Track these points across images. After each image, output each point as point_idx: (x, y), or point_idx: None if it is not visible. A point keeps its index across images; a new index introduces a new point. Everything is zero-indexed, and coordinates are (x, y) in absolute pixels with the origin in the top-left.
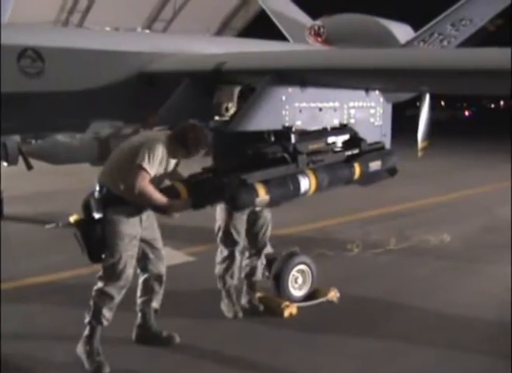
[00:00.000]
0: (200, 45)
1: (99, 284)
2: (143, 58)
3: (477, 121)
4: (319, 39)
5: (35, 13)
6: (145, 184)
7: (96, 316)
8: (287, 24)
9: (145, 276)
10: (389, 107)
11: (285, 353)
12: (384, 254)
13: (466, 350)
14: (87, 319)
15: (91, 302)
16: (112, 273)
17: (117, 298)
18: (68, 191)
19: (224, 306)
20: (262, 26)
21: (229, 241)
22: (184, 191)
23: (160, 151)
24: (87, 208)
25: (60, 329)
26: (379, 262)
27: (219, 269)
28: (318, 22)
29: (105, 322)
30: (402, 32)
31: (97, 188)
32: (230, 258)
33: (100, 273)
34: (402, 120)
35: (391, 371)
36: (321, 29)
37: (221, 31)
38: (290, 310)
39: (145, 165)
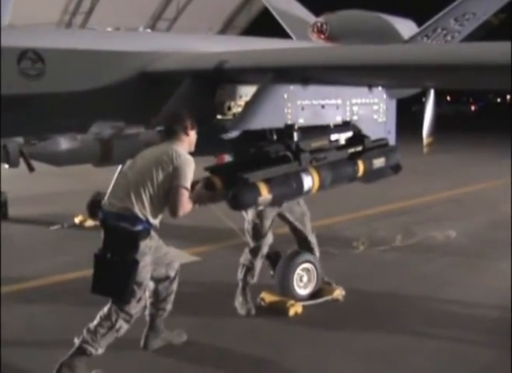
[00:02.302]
0: (202, 44)
1: (121, 315)
2: (144, 58)
3: (483, 116)
4: (322, 36)
5: (38, 15)
6: (188, 205)
7: (97, 347)
8: (290, 21)
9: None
10: (393, 103)
11: (291, 351)
12: (389, 251)
13: (473, 346)
14: (81, 344)
15: (100, 331)
16: (137, 306)
17: None
18: (71, 192)
19: (238, 303)
20: (266, 24)
21: (256, 234)
22: (220, 184)
23: (192, 162)
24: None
25: (65, 331)
26: (385, 259)
27: (244, 258)
28: (321, 19)
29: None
30: (405, 27)
31: (113, 215)
32: (255, 251)
33: (124, 305)
34: (409, 115)
35: (398, 369)
36: (324, 26)
37: (224, 30)
38: (295, 309)
39: (188, 184)
